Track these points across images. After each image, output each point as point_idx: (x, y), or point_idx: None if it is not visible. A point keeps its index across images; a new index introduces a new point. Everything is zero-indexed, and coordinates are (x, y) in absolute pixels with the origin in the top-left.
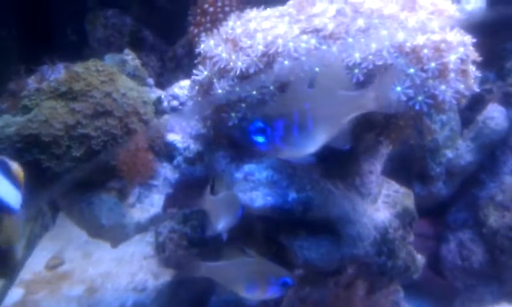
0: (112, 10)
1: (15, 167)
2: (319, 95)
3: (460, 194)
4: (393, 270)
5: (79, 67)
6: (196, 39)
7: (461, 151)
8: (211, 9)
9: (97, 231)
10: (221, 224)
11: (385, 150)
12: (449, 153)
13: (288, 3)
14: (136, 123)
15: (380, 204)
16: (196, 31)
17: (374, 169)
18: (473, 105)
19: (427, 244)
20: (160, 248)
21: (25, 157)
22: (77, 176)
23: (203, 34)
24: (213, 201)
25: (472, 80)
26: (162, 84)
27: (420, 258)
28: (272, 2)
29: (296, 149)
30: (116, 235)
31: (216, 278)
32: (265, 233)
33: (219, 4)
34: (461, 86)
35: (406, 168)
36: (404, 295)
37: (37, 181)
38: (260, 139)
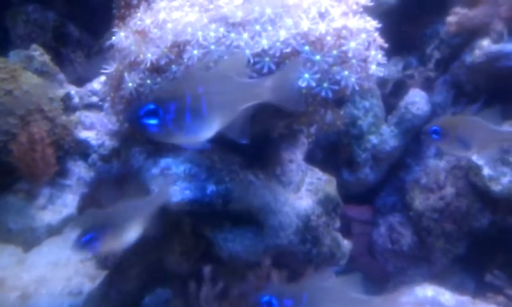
0: (34, 5)
1: None
2: (214, 79)
3: (388, 178)
4: (319, 257)
5: None
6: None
7: (385, 137)
8: (135, 1)
9: (5, 236)
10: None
11: (305, 139)
12: (374, 139)
13: None
14: (39, 121)
15: (303, 193)
16: (120, 24)
17: (295, 157)
18: (396, 91)
19: (365, 229)
20: None
21: None
22: None
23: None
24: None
25: (374, 66)
26: (89, 79)
27: (347, 244)
28: None
29: (188, 134)
30: (26, 239)
31: None
32: (192, 228)
33: None
34: (363, 73)
35: (335, 156)
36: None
37: None
38: (151, 121)
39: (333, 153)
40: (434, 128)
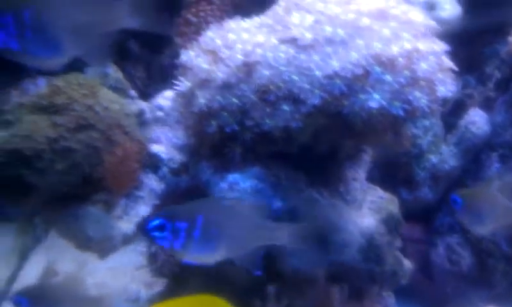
0: None
1: None
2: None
3: (446, 198)
4: (381, 275)
5: (59, 81)
6: (182, 49)
7: (444, 156)
8: (194, 19)
9: (85, 243)
10: None
11: (368, 157)
12: (433, 158)
13: (266, 13)
14: (119, 136)
15: (366, 211)
16: (180, 40)
17: (358, 176)
18: (455, 111)
19: (418, 248)
20: (152, 258)
21: (8, 172)
22: (62, 189)
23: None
24: None
25: (442, 88)
26: (149, 94)
27: (408, 263)
28: (251, 13)
29: (39, 55)
30: (104, 246)
31: None
32: None
33: (203, 14)
34: (432, 95)
35: (392, 174)
36: (395, 300)
37: (21, 195)
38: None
39: (390, 171)
40: (455, 197)
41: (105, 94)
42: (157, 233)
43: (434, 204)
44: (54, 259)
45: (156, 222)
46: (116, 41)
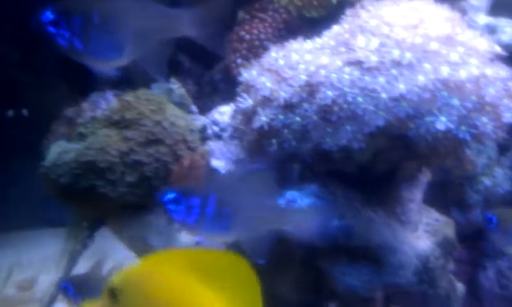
0: None
1: None
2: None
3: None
4: (435, 298)
5: (129, 96)
6: (233, 65)
7: (499, 180)
8: (247, 36)
9: (147, 252)
10: None
11: (425, 179)
12: (487, 181)
13: (327, 35)
14: (184, 151)
15: (421, 233)
16: (232, 57)
17: (414, 197)
18: (509, 133)
19: (464, 269)
20: None
21: (82, 183)
22: (131, 200)
23: (239, 61)
24: None
25: (508, 115)
26: (199, 108)
27: (461, 287)
28: (302, 31)
29: (98, 56)
30: None
31: None
32: (304, 258)
33: (256, 32)
34: (498, 121)
35: (444, 195)
36: None
37: (93, 205)
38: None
39: (442, 192)
40: (490, 216)
41: (172, 110)
42: (171, 206)
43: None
44: (102, 258)
45: (171, 195)
46: (168, 55)
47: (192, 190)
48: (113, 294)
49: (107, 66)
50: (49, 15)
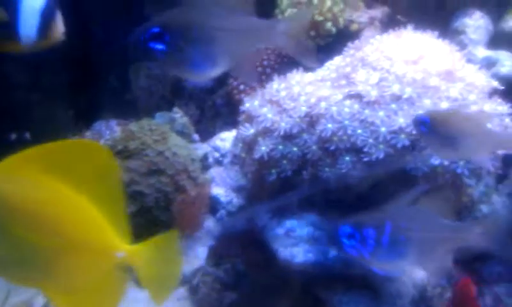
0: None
1: None
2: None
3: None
4: None
5: (133, 126)
6: (235, 91)
7: (496, 207)
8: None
9: None
10: None
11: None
12: (484, 208)
13: (329, 67)
14: (185, 180)
15: None
16: (235, 83)
17: None
18: (505, 161)
19: None
20: (193, 290)
21: None
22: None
23: (241, 87)
24: None
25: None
26: (200, 131)
27: None
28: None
29: (195, 68)
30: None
31: None
32: (302, 286)
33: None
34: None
35: None
36: None
37: None
38: (158, 46)
39: None
40: (424, 118)
41: (174, 139)
42: (347, 241)
43: (484, 253)
44: None
45: (347, 230)
46: (171, 80)
47: (365, 221)
48: None
49: (202, 78)
50: (154, 30)
